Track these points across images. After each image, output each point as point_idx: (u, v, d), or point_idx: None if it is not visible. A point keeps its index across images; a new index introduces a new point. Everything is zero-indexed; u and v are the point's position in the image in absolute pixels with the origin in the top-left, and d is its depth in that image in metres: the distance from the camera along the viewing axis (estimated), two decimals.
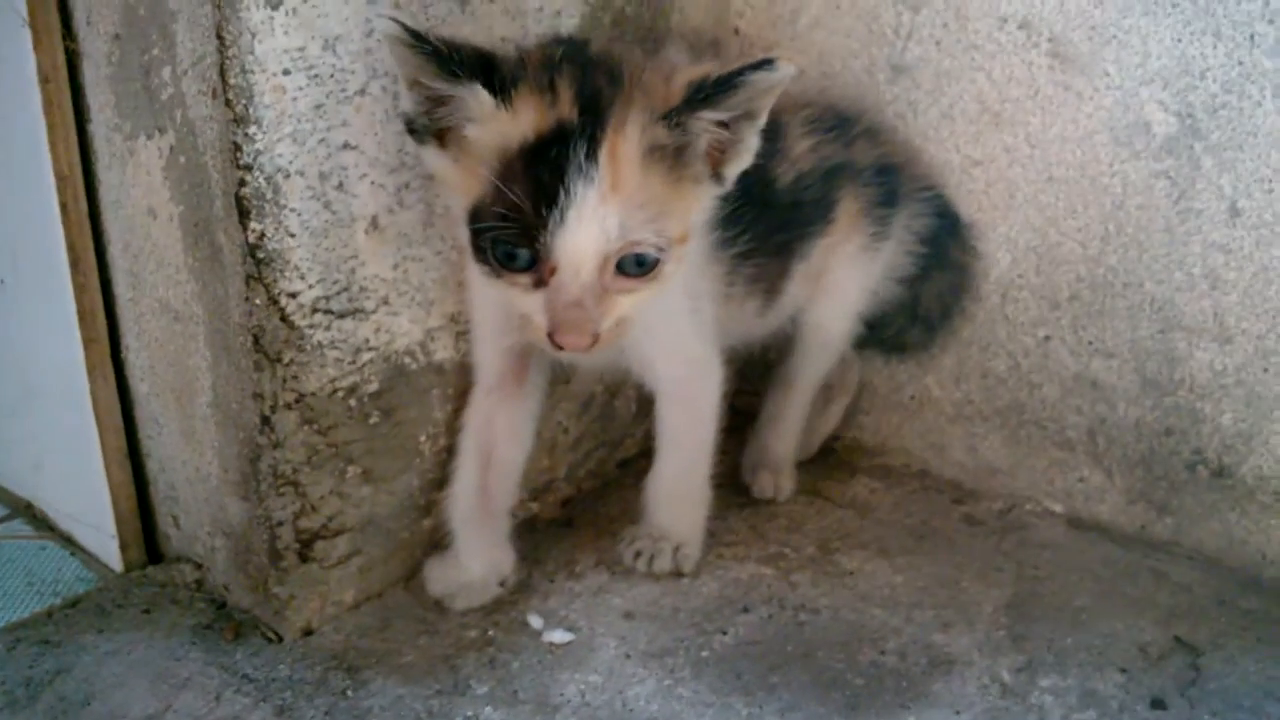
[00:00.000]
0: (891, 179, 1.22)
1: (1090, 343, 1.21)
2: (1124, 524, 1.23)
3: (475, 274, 1.04)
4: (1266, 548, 1.15)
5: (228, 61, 0.91)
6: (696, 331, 1.09)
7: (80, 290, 1.11)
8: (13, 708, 0.97)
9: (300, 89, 0.95)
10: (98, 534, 1.20)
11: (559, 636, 1.06)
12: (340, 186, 0.99)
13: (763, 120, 0.94)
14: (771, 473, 1.29)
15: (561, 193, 0.86)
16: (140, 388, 1.15)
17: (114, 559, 1.18)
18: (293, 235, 0.97)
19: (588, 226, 0.86)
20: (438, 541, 1.16)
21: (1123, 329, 1.18)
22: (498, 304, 1.03)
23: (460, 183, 0.93)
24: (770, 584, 1.14)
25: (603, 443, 1.35)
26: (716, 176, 0.95)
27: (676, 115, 0.89)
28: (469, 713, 0.97)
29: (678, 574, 1.15)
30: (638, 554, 1.15)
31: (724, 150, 0.94)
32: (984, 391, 1.30)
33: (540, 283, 0.89)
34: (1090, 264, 1.18)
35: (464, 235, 0.94)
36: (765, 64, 0.87)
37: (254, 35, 0.91)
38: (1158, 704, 0.98)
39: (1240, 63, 1.06)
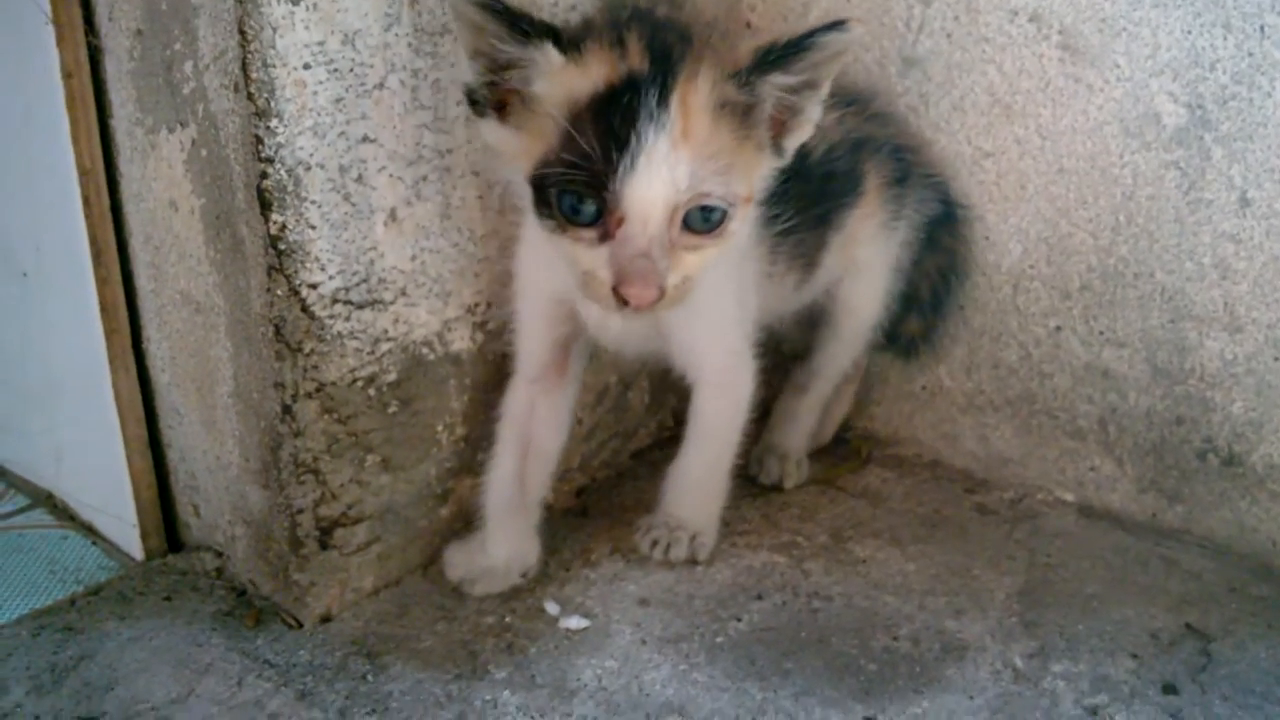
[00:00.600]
0: (904, 158, 1.23)
1: (1101, 332, 1.21)
2: (1135, 512, 1.24)
3: (529, 252, 1.06)
4: (1277, 535, 1.15)
5: (249, 56, 0.93)
6: (740, 322, 1.10)
7: (102, 282, 1.13)
8: (38, 692, 0.99)
9: (320, 83, 0.96)
10: (119, 523, 1.21)
11: (575, 623, 1.08)
12: (359, 179, 1.01)
13: (825, 90, 0.94)
14: (780, 460, 1.30)
15: (633, 138, 0.86)
16: (161, 378, 1.16)
17: (135, 548, 1.20)
18: (313, 227, 0.99)
19: (658, 172, 0.86)
20: (458, 529, 1.18)
21: (1133, 319, 1.19)
22: (548, 295, 1.04)
23: (524, 148, 0.93)
24: (783, 572, 1.15)
25: (616, 433, 1.36)
26: (777, 148, 0.96)
27: (747, 75, 0.90)
28: (487, 696, 0.98)
29: (693, 562, 1.16)
30: (654, 542, 1.16)
31: (785, 121, 0.95)
32: (995, 381, 1.31)
33: (606, 236, 0.89)
34: (1101, 254, 1.19)
35: (526, 198, 0.94)
36: (836, 25, 0.89)
37: (275, 30, 0.92)
38: (1169, 689, 0.99)
39: (1250, 54, 1.07)
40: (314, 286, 1.01)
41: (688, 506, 1.17)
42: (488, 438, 1.19)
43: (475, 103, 0.93)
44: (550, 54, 0.89)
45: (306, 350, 1.02)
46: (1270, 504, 1.15)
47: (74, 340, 1.18)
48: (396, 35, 1.00)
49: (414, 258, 1.07)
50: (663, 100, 0.87)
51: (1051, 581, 1.13)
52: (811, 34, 0.89)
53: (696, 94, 0.88)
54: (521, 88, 0.91)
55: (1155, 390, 1.20)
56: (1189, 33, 1.09)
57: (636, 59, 0.89)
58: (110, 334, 1.14)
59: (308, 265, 1.00)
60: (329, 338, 1.03)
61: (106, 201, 1.12)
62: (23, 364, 1.31)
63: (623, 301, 0.89)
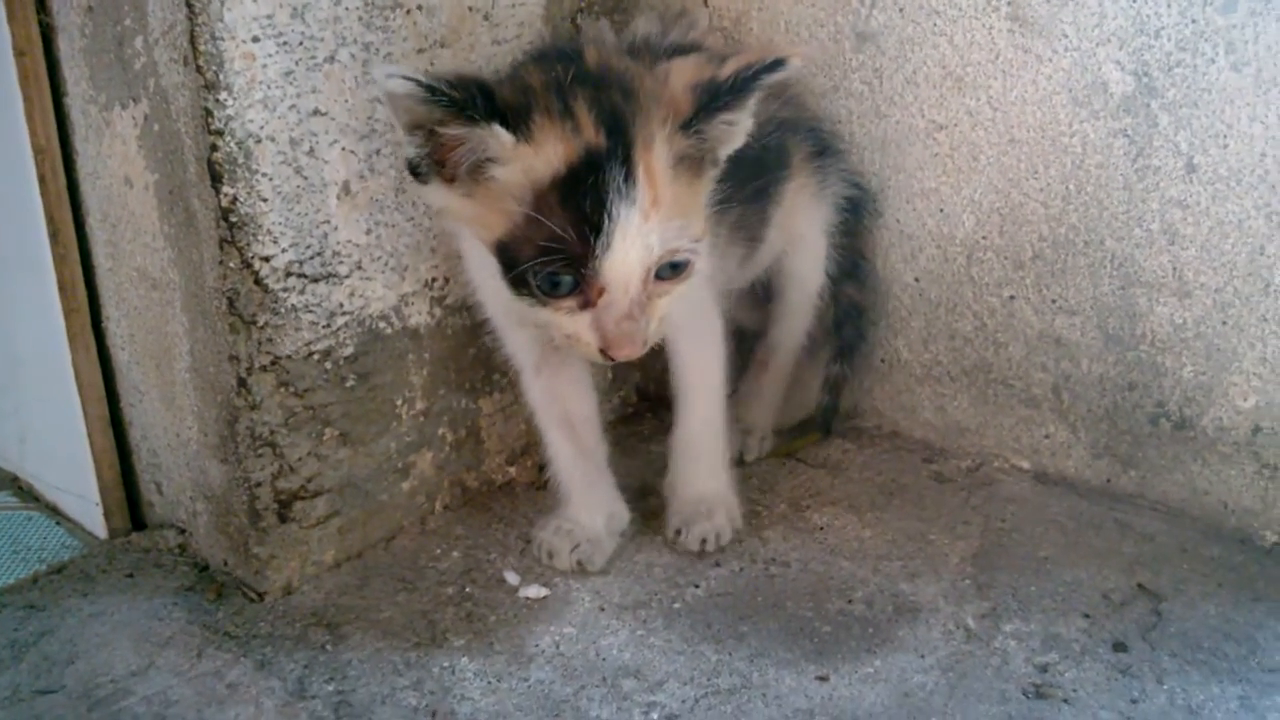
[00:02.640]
0: (818, 134, 1.27)
1: (1054, 301, 1.23)
2: (1090, 478, 1.25)
3: (482, 272, 1.06)
4: (1228, 497, 1.17)
5: (197, 29, 0.93)
6: (705, 280, 1.11)
7: (60, 261, 1.13)
8: None
9: (270, 56, 0.97)
10: (82, 502, 1.22)
11: (534, 591, 1.09)
12: (311, 152, 1.01)
13: (755, 102, 0.96)
14: (743, 434, 1.32)
15: (605, 218, 0.87)
16: (121, 356, 1.17)
17: (99, 527, 1.21)
18: (265, 200, 0.99)
19: (633, 246, 0.88)
20: (420, 503, 1.18)
21: (1085, 286, 1.20)
22: (516, 306, 1.04)
23: (479, 217, 0.93)
24: (742, 539, 1.16)
25: None
26: (713, 159, 0.98)
27: (696, 123, 0.91)
28: (445, 664, 0.99)
29: (735, 541, 1.16)
30: (704, 540, 1.14)
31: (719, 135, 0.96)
32: (951, 352, 1.32)
33: (587, 304, 0.91)
34: (1052, 223, 1.21)
35: (491, 267, 0.94)
36: (777, 64, 0.90)
37: (223, 3, 0.93)
38: (1119, 647, 1.00)
39: (1194, 21, 1.08)
40: (267, 259, 1.02)
41: (706, 479, 1.17)
42: (448, 413, 1.20)
43: (418, 173, 0.93)
44: (500, 135, 0.88)
45: (260, 323, 1.03)
46: (1221, 466, 1.17)
47: (34, 320, 1.18)
48: (347, 9, 1.01)
49: (369, 231, 1.08)
50: (628, 175, 0.88)
51: (1005, 545, 1.15)
52: (756, 75, 0.90)
53: (656, 159, 0.90)
54: (466, 158, 0.91)
55: (1107, 357, 1.21)
56: (1134, 1, 1.10)
57: (591, 132, 0.89)
58: (69, 313, 1.15)
59: (260, 238, 1.01)
60: (283, 311, 1.04)
61: (63, 180, 1.12)
62: None
63: (609, 358, 0.93)
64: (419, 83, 0.85)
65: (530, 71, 0.95)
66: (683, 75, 0.93)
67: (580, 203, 0.88)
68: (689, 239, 0.92)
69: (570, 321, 0.93)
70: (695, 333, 1.14)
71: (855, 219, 1.30)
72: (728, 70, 0.92)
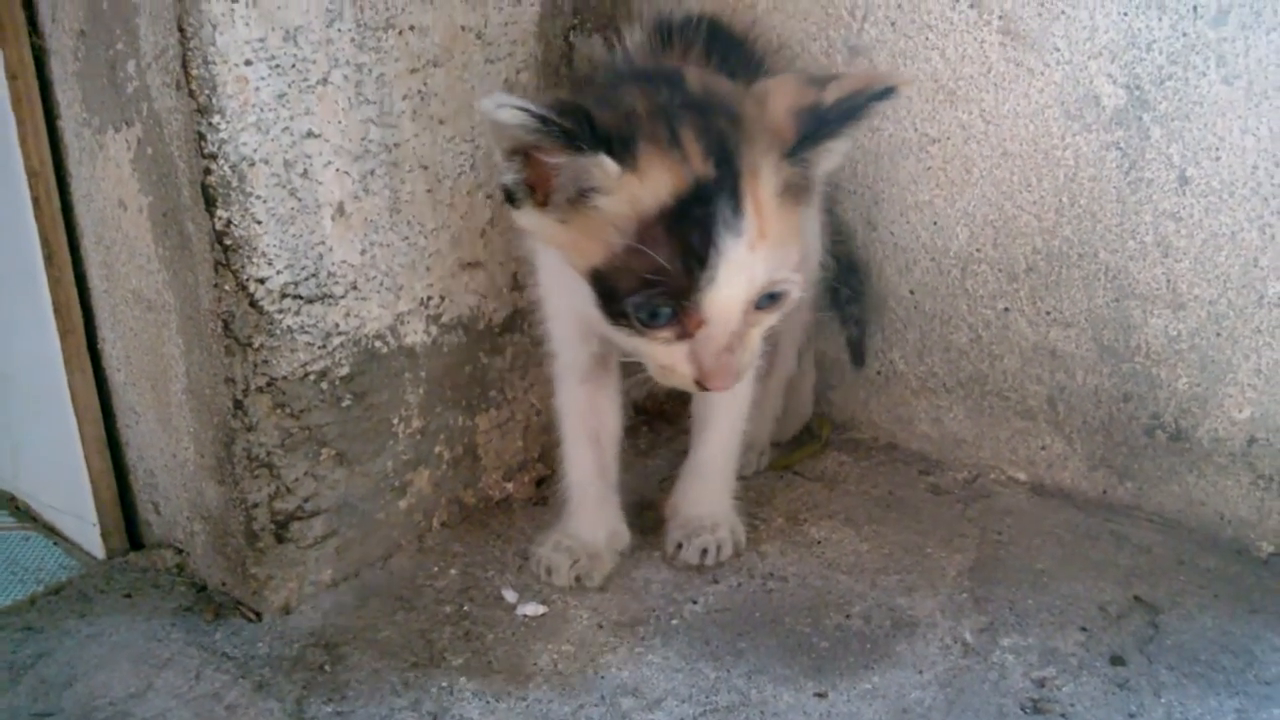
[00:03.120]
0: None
1: (1048, 313, 1.23)
2: (1086, 489, 1.26)
3: (552, 280, 1.06)
4: (1224, 508, 1.17)
5: (190, 53, 0.94)
6: None
7: (55, 283, 1.14)
8: None
9: (263, 79, 0.97)
10: (79, 523, 1.22)
11: (533, 609, 1.09)
12: (305, 174, 1.02)
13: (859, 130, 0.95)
14: (743, 450, 1.32)
15: (712, 252, 0.85)
16: (117, 377, 1.17)
17: (96, 547, 1.21)
18: (259, 222, 1.00)
19: (738, 279, 0.87)
20: (418, 521, 1.19)
21: (1079, 298, 1.21)
22: (581, 318, 1.03)
23: (575, 244, 0.91)
24: (739, 554, 1.17)
25: None
26: (810, 185, 0.97)
27: (801, 151, 0.90)
28: (444, 683, 0.99)
29: (735, 556, 1.16)
30: (704, 551, 1.15)
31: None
32: (947, 364, 1.32)
33: (684, 335, 0.90)
34: (1046, 236, 1.21)
35: (571, 285, 0.94)
36: (887, 93, 0.89)
37: (215, 27, 0.93)
38: (1117, 660, 1.00)
39: (1184, 34, 1.08)
40: (261, 281, 1.02)
41: (712, 501, 1.18)
42: (444, 430, 1.20)
43: (513, 199, 0.92)
44: (606, 166, 0.86)
45: (256, 345, 1.03)
46: (1217, 477, 1.17)
47: (29, 341, 1.18)
48: (339, 30, 1.01)
49: (363, 252, 1.08)
50: (736, 207, 0.86)
51: (1002, 558, 1.15)
52: (865, 103, 0.89)
53: (763, 188, 0.88)
54: (567, 186, 0.89)
55: (1102, 369, 1.21)
56: (1125, 14, 1.11)
57: (699, 162, 0.86)
58: (65, 334, 1.15)
59: (254, 260, 1.01)
60: (279, 332, 1.04)
61: (57, 203, 1.12)
62: None
63: (704, 388, 0.92)
64: (531, 113, 0.83)
65: (633, 94, 0.92)
66: (783, 98, 0.91)
67: (687, 236, 0.86)
68: (789, 268, 0.90)
69: (666, 352, 0.91)
70: None
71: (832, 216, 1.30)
72: (832, 95, 0.90)
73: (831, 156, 0.96)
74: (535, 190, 0.91)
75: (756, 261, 0.87)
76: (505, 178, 0.91)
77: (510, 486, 1.29)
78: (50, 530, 1.27)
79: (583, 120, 0.85)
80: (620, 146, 0.86)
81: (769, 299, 0.91)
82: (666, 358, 0.92)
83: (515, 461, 1.29)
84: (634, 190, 0.87)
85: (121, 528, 1.21)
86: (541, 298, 1.11)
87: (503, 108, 0.83)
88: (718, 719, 0.95)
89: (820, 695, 0.97)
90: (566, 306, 1.06)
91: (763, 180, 0.88)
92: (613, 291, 0.89)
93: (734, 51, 1.09)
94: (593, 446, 1.14)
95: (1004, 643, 1.03)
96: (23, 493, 1.32)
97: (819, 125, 0.90)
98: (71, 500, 1.22)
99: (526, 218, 0.93)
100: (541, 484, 1.31)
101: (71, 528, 1.24)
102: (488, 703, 0.97)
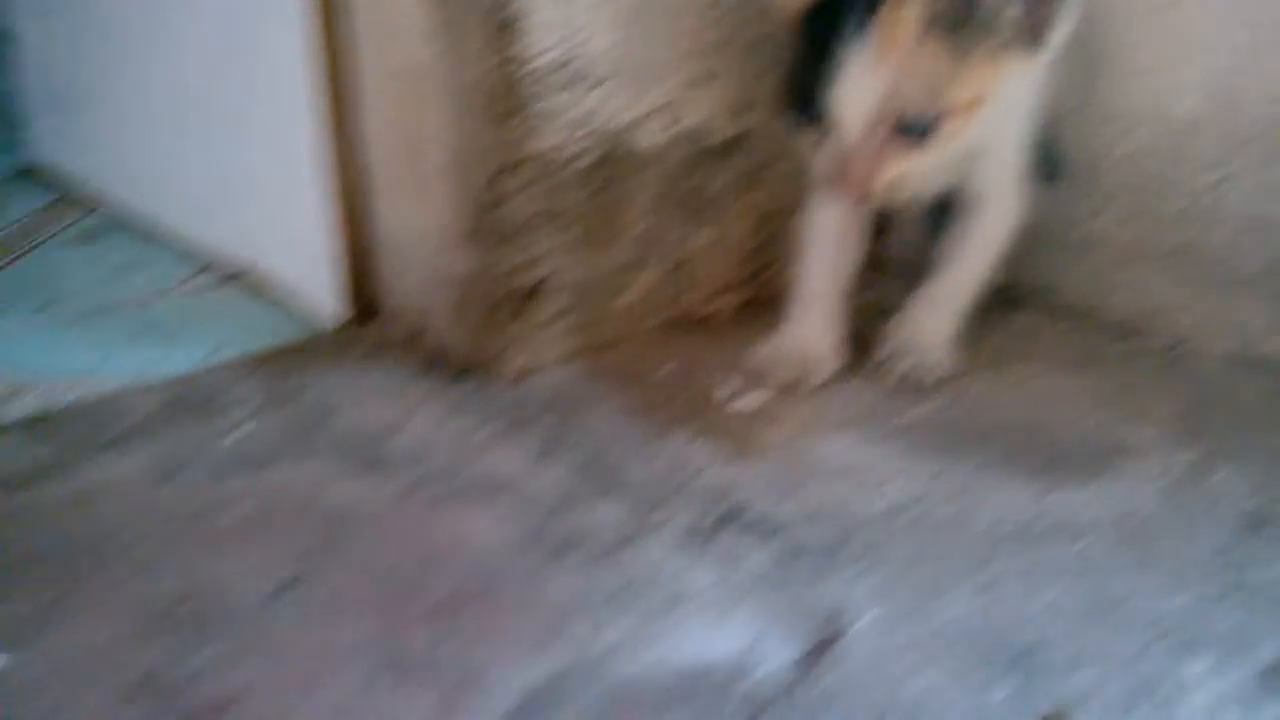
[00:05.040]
0: None
1: (1267, 184, 1.23)
2: None
3: None
4: None
5: None
6: (1027, 149, 1.16)
7: (319, 51, 1.19)
8: (266, 409, 1.07)
9: None
10: (321, 292, 1.29)
11: (752, 402, 1.14)
12: None
13: None
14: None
15: (837, 54, 0.94)
16: (372, 147, 1.23)
17: (335, 316, 1.28)
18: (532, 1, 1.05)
19: (858, 87, 0.94)
20: (640, 315, 1.24)
21: None
22: None
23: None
24: (945, 382, 1.20)
25: (778, 256, 1.40)
26: (1036, 42, 0.99)
27: None
28: (681, 442, 1.05)
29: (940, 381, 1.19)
30: (915, 367, 1.18)
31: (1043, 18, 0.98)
32: (1155, 233, 1.33)
33: (825, 137, 0.98)
34: (1271, 104, 1.21)
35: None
36: None
37: None
38: None
39: None
40: (528, 60, 1.07)
41: (934, 331, 1.20)
42: (665, 238, 1.24)
43: None
44: None
45: (515, 122, 1.08)
46: None
47: (287, 109, 1.25)
48: None
49: (618, 46, 1.12)
50: (866, 20, 0.92)
51: (1211, 409, 1.16)
52: None
53: (903, 12, 0.93)
54: None
55: None
56: None
57: None
58: (322, 104, 1.21)
59: (524, 40, 1.06)
60: (538, 112, 1.09)
61: None
62: (236, 137, 1.38)
63: (835, 192, 0.99)
64: None
65: None
66: None
67: (819, 36, 0.95)
68: (929, 103, 0.95)
69: (812, 150, 0.99)
70: (1006, 198, 1.18)
71: None
72: None
73: (1058, 18, 0.98)
74: None
75: (880, 78, 0.93)
76: None
77: (719, 303, 1.33)
78: (290, 299, 1.34)
79: None
80: None
81: (912, 127, 0.95)
82: (812, 155, 1.00)
83: (723, 281, 1.34)
84: None
85: (364, 296, 1.27)
86: None
87: None
88: (940, 503, 0.99)
89: (1040, 495, 1.00)
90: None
91: (906, 2, 0.93)
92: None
93: None
94: (835, 259, 1.18)
95: (1222, 469, 1.04)
96: (266, 263, 1.39)
97: None
98: (314, 270, 1.28)
99: None
100: (745, 308, 1.35)
101: (313, 297, 1.31)
102: (724, 463, 1.02)
